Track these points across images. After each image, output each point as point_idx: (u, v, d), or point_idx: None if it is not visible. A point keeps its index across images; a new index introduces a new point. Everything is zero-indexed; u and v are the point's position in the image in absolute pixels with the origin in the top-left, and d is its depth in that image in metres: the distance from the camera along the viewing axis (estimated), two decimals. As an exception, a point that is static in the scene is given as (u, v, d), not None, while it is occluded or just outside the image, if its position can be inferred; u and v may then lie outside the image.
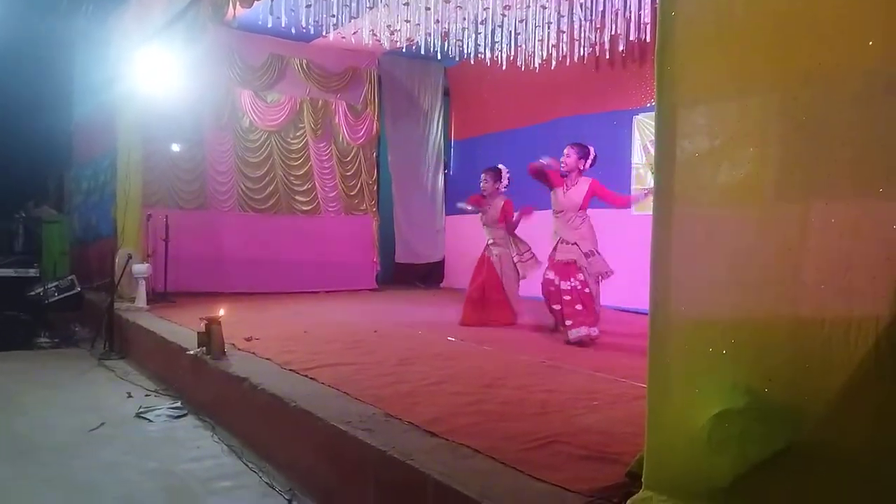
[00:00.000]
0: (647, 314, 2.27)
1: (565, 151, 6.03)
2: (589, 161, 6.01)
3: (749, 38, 2.07)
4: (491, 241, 7.16)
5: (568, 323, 5.80)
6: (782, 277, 1.92)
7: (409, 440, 3.04)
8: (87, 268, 10.20)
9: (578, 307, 5.78)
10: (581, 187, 5.95)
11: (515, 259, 7.03)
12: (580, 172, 6.00)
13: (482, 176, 7.19)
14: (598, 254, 5.92)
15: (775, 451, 1.85)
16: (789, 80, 1.96)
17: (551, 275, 5.99)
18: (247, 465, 3.83)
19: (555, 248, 6.05)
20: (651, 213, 2.27)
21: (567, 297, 5.82)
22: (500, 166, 7.22)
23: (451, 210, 11.40)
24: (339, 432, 3.25)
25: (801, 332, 1.84)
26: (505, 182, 7.15)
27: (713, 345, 2.05)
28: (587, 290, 5.83)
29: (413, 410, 3.51)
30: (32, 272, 8.45)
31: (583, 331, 5.72)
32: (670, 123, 2.23)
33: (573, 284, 5.82)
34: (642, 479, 2.23)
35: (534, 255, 7.00)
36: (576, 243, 5.89)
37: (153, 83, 8.02)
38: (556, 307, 5.97)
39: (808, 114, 1.92)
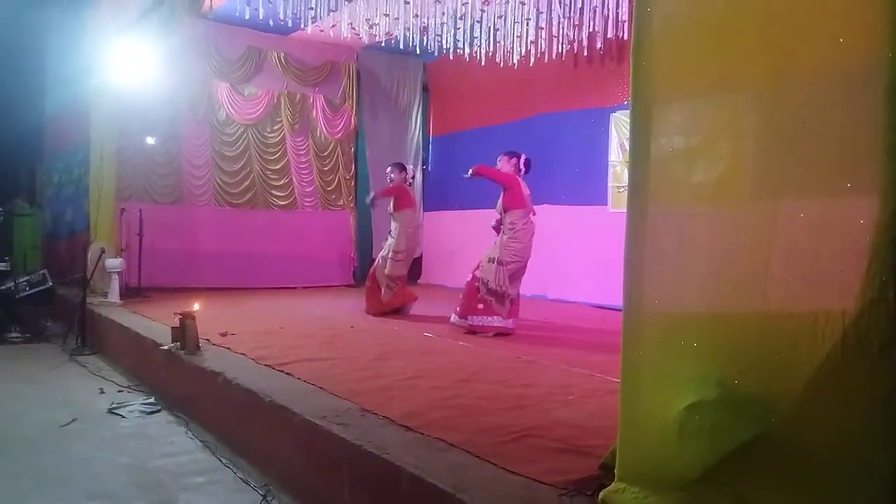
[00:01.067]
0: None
1: (498, 161, 6.29)
2: (521, 163, 6.18)
3: (725, 35, 2.09)
4: (390, 230, 7.43)
5: (458, 309, 6.24)
6: (753, 272, 1.95)
7: (385, 434, 3.04)
8: (60, 262, 10.05)
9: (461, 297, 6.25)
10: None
11: (390, 255, 7.20)
12: (517, 175, 6.18)
13: (388, 169, 7.50)
14: (502, 266, 6.01)
15: (745, 442, 1.87)
16: (764, 77, 1.99)
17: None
18: (221, 461, 3.80)
19: None
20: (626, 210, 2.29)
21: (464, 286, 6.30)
22: (406, 163, 7.92)
23: (430, 206, 11.39)
24: (314, 427, 3.24)
25: (771, 325, 1.87)
26: (410, 175, 7.71)
27: (685, 338, 2.08)
28: (475, 285, 6.12)
29: (389, 405, 3.51)
30: (3, 266, 8.33)
31: (455, 317, 6.22)
32: (645, 121, 2.25)
33: (469, 278, 6.22)
34: (615, 471, 2.25)
35: (403, 258, 7.23)
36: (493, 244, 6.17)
37: (128, 75, 7.92)
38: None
39: (780, 111, 1.95)
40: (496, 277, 5.99)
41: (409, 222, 7.27)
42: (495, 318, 6.00)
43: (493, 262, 6.02)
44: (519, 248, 6.04)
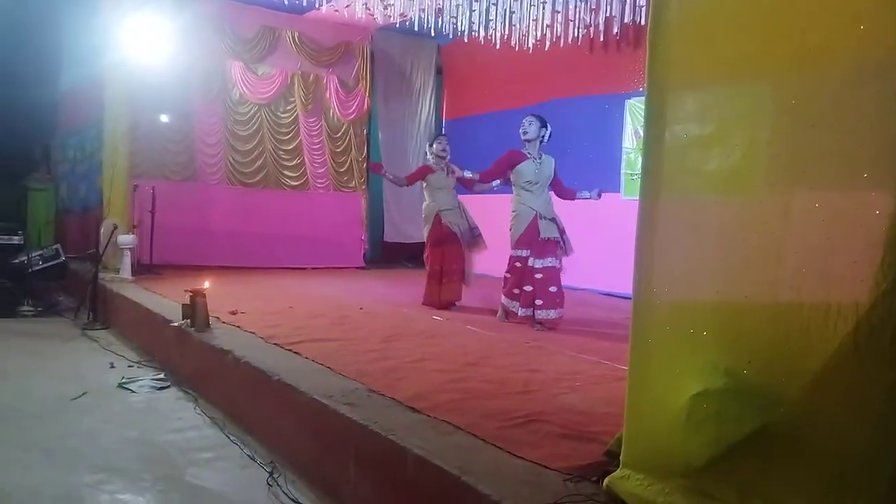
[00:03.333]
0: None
1: (526, 121, 5.73)
2: (548, 133, 5.75)
3: (742, 21, 2.06)
4: (445, 208, 6.66)
5: (538, 303, 5.53)
6: (764, 262, 1.93)
7: (391, 415, 3.06)
8: (73, 237, 10.11)
9: (552, 289, 5.56)
10: (549, 160, 5.79)
11: (476, 231, 6.70)
12: (542, 144, 5.77)
13: (446, 140, 6.86)
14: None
15: (752, 432, 1.87)
16: (780, 65, 1.96)
17: (524, 252, 5.66)
18: (228, 437, 3.84)
19: (531, 224, 5.64)
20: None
21: (539, 276, 5.55)
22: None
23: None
24: (321, 406, 3.26)
25: (781, 315, 1.86)
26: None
27: (694, 326, 2.07)
28: (560, 271, 5.67)
29: (396, 386, 3.52)
30: (17, 240, 8.39)
31: (552, 314, 5.55)
32: (660, 107, 2.23)
33: (549, 263, 5.59)
34: (620, 458, 2.25)
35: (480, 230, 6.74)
36: (553, 219, 5.70)
37: (143, 52, 7.93)
38: (528, 288, 5.60)
39: (797, 98, 1.92)
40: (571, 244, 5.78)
41: None
42: None
43: (565, 232, 5.74)
44: None
